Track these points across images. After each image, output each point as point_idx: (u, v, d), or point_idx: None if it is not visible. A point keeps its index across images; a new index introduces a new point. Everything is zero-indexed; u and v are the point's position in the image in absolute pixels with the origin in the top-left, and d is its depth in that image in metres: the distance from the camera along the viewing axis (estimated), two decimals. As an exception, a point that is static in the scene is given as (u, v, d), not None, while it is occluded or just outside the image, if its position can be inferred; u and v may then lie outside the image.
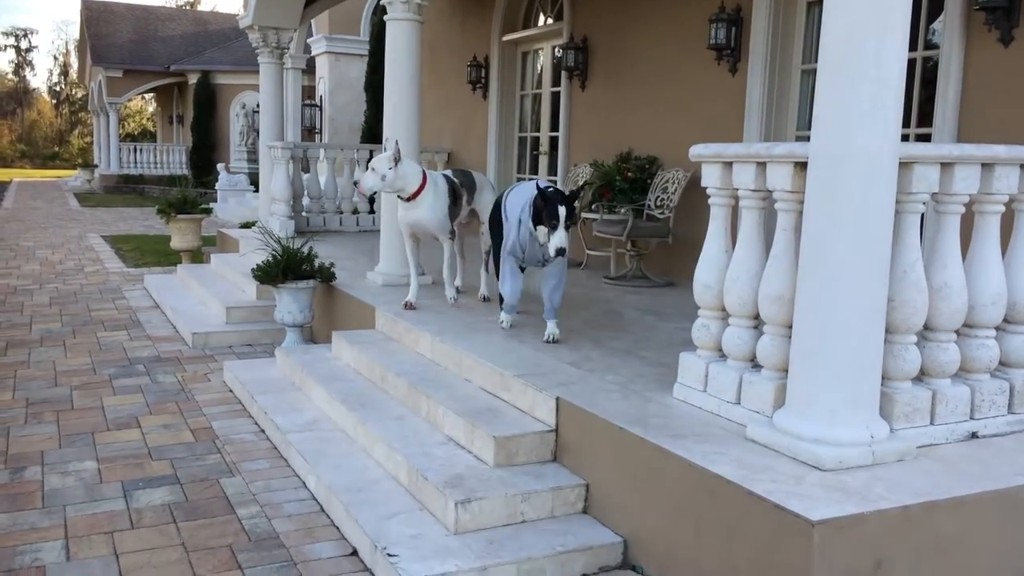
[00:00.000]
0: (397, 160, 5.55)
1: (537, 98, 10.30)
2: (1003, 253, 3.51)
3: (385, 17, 6.77)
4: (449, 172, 6.04)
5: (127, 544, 3.54)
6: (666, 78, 7.74)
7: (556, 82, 9.64)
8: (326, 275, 6.70)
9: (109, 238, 14.88)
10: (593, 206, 7.55)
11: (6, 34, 67.65)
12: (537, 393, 3.96)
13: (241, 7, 11.13)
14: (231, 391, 5.74)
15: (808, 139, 3.09)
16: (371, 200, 10.57)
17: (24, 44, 67.11)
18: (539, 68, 10.29)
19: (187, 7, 34.77)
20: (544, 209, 4.53)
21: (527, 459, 3.79)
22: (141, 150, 30.28)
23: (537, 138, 10.27)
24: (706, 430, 3.39)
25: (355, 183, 6.01)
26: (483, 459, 3.82)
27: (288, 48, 10.79)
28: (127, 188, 28.41)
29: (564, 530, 3.44)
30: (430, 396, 4.36)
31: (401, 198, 5.71)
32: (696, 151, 3.62)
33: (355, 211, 10.70)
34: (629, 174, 7.60)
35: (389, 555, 3.22)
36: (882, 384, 3.17)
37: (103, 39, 29.65)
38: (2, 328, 7.51)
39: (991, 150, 3.26)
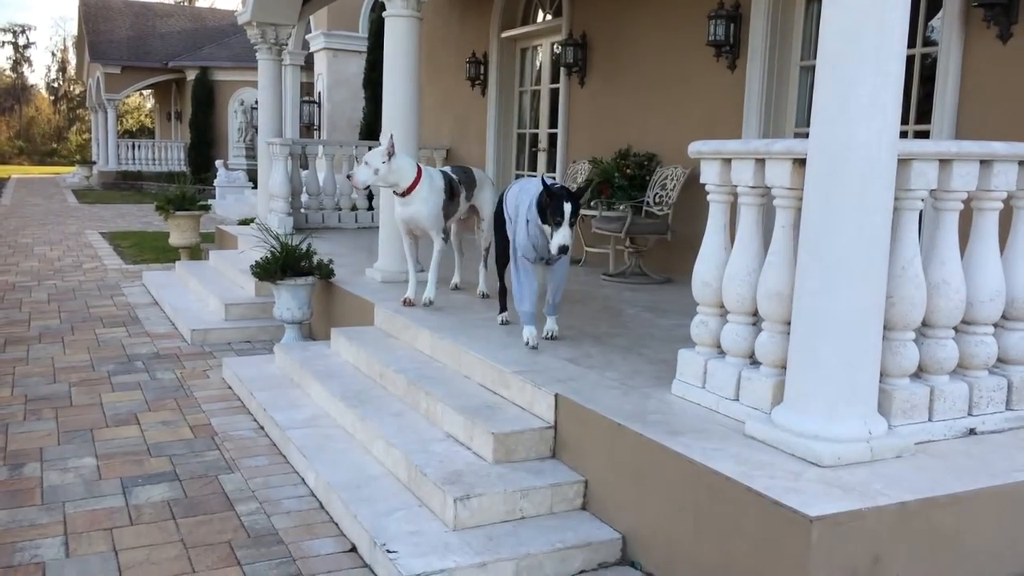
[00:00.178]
0: (391, 154, 5.54)
1: (536, 95, 10.29)
2: (1001, 250, 3.52)
3: (384, 13, 6.77)
4: (448, 169, 6.03)
5: (126, 540, 3.54)
6: (665, 75, 7.74)
7: (555, 79, 9.63)
8: (325, 272, 6.70)
9: (107, 235, 14.87)
10: (592, 203, 7.55)
11: (4, 30, 67.55)
12: (536, 389, 3.96)
13: (240, 3, 11.12)
14: (230, 388, 5.74)
15: (807, 136, 3.09)
16: (369, 197, 10.58)
17: (22, 40, 67.10)
18: (538, 64, 10.28)
19: (185, 3, 34.69)
20: (549, 206, 4.42)
21: (526, 456, 3.80)
22: (139, 147, 30.25)
23: (536, 135, 10.27)
24: (705, 426, 3.39)
25: (348, 176, 5.95)
26: (482, 455, 3.82)
27: (286, 44, 10.79)
28: (125, 185, 28.39)
29: (563, 526, 3.45)
30: (429, 393, 4.36)
31: (396, 193, 5.71)
32: (695, 148, 3.62)
33: (354, 208, 10.70)
34: (628, 171, 7.61)
35: (388, 551, 3.22)
36: (880, 380, 3.17)
37: (101, 35, 29.61)
38: (1, 325, 7.51)
39: (989, 147, 3.26)
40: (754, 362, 3.52)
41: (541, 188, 4.52)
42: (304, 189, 10.31)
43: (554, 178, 9.15)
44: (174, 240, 11.00)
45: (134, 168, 29.26)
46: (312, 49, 18.06)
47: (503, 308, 5.29)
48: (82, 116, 61.82)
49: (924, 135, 5.71)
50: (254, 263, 6.61)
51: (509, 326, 5.14)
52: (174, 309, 7.83)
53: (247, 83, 26.20)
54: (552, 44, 9.81)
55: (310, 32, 17.72)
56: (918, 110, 5.86)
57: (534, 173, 10.13)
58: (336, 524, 3.71)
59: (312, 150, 10.51)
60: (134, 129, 51.04)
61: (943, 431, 3.33)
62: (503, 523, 3.46)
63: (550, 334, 4.82)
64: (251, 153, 22.51)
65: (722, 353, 3.65)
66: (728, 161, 3.51)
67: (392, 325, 5.60)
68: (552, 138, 9.77)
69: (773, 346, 3.35)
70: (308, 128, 18.65)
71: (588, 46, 8.79)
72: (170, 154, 29.78)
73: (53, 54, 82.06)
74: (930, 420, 3.32)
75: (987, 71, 5.27)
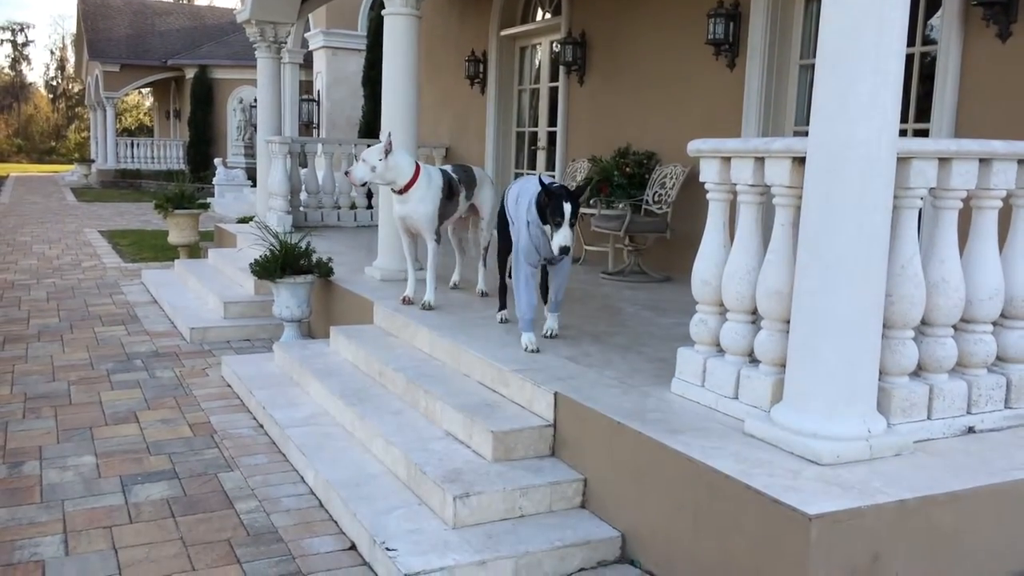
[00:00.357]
0: (387, 151, 5.54)
1: (535, 93, 10.29)
2: (1000, 248, 3.52)
3: (383, 12, 6.76)
4: (448, 167, 6.02)
5: (126, 539, 3.54)
6: (664, 73, 7.74)
7: (554, 77, 9.63)
8: (324, 270, 6.70)
9: (106, 233, 14.86)
10: (591, 201, 7.55)
11: (3, 28, 67.48)
12: (535, 388, 3.96)
13: (239, 2, 11.11)
14: (229, 386, 5.74)
15: (806, 134, 3.09)
16: (369, 195, 10.58)
17: (20, 39, 67.05)
18: (537, 63, 10.28)
19: (184, 2, 34.65)
20: (548, 206, 4.33)
21: (525, 454, 3.80)
22: (138, 145, 30.23)
23: (535, 133, 10.26)
24: (704, 425, 3.40)
25: (346, 173, 5.94)
26: (481, 454, 3.82)
27: (285, 43, 10.78)
28: (124, 183, 28.37)
29: (562, 524, 3.45)
30: (428, 391, 4.36)
31: (394, 191, 5.70)
32: (694, 146, 3.62)
33: (353, 206, 10.70)
34: (627, 169, 7.61)
35: (388, 549, 3.22)
36: (879, 379, 3.17)
37: (100, 33, 29.59)
38: (0, 323, 7.50)
39: (989, 145, 3.26)
40: (753, 360, 3.52)
41: (539, 189, 4.45)
42: (303, 187, 10.31)
43: (553, 177, 9.15)
44: (173, 238, 11.00)
45: (133, 166, 29.24)
46: (311, 47, 18.05)
47: (503, 306, 5.28)
48: (81, 114, 61.79)
49: (923, 134, 5.71)
50: (253, 261, 6.60)
51: (508, 324, 5.14)
52: (173, 307, 7.82)
53: (246, 81, 26.19)
54: (551, 42, 9.81)
55: (309, 30, 17.71)
56: (917, 108, 5.87)
57: (533, 172, 10.13)
58: (335, 522, 3.71)
59: (311, 148, 10.51)
60: (133, 127, 51.03)
61: (942, 429, 3.34)
62: (502, 521, 3.46)
63: (550, 332, 4.81)
64: (250, 151, 22.51)
65: (721, 351, 3.65)
66: (727, 159, 3.51)
67: (391, 323, 5.60)
68: (551, 136, 9.76)
69: (772, 344, 3.35)
70: (307, 126, 18.65)
71: (587, 44, 8.78)
72: (169, 152, 29.77)
73: (52, 52, 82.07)
74: (929, 418, 3.32)
75: (986, 70, 5.27)
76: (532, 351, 4.50)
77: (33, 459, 4.40)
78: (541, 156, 10.09)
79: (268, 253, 6.50)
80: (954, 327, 3.40)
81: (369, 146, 5.77)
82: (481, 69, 10.67)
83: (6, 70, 67.25)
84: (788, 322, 3.22)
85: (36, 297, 8.75)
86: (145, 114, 53.97)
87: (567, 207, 4.28)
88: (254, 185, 14.79)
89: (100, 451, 4.52)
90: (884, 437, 3.09)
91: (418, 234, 5.80)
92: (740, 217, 3.51)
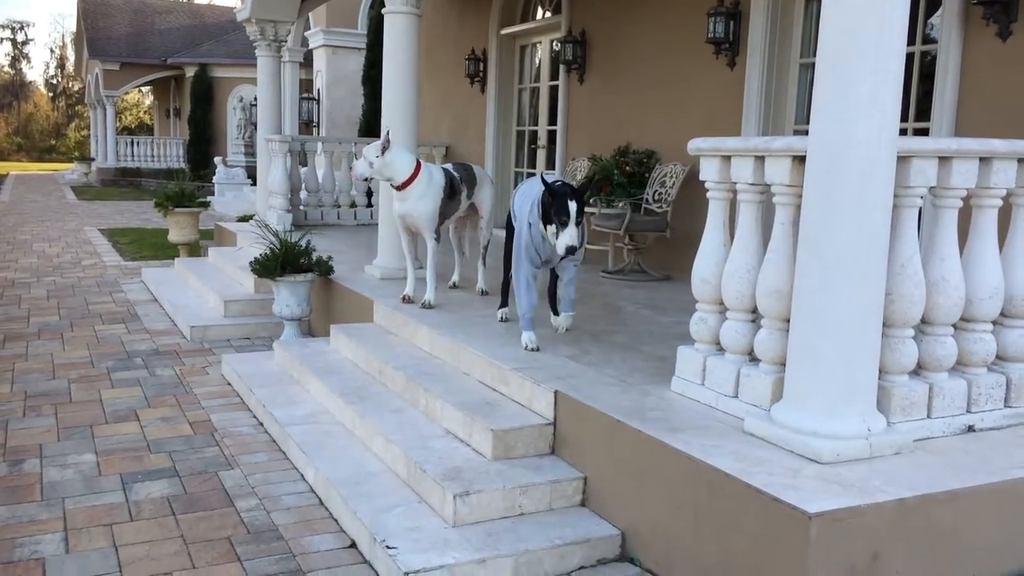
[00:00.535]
0: (385, 148, 5.56)
1: (535, 92, 10.29)
2: (1000, 247, 3.52)
3: (383, 10, 6.77)
4: (450, 166, 6.02)
5: (126, 536, 3.55)
6: (664, 72, 7.74)
7: (554, 76, 9.63)
8: (324, 268, 6.70)
9: (106, 231, 14.86)
10: (591, 200, 7.55)
11: (2, 27, 67.52)
12: (535, 386, 3.96)
13: (239, 0, 11.10)
14: (229, 384, 5.74)
15: (806, 133, 3.09)
16: (368, 194, 10.58)
17: (20, 37, 67.07)
18: (537, 62, 10.28)
19: (184, 0, 34.62)
20: (552, 205, 4.23)
21: (525, 452, 3.80)
22: (138, 143, 30.22)
23: (535, 132, 10.26)
24: (704, 423, 3.40)
25: (350, 168, 5.98)
26: (481, 452, 3.83)
27: (286, 41, 10.78)
28: (124, 182, 28.36)
29: (562, 523, 3.45)
30: (428, 389, 4.37)
31: (393, 187, 5.71)
32: (695, 145, 3.62)
33: (353, 205, 10.70)
34: (627, 168, 7.61)
35: (388, 547, 3.23)
36: (879, 378, 3.17)
37: (100, 32, 29.58)
38: (0, 321, 7.51)
39: (989, 144, 3.26)
40: (753, 359, 3.52)
41: (543, 189, 4.35)
42: (303, 186, 10.31)
43: (554, 175, 9.14)
44: (173, 237, 11.00)
45: (133, 165, 29.23)
46: (311, 46, 18.05)
47: (504, 303, 5.27)
48: (81, 113, 61.76)
49: (923, 132, 5.71)
50: (253, 260, 6.61)
51: (508, 323, 5.14)
52: (173, 306, 7.83)
53: (246, 80, 26.17)
54: (551, 41, 9.81)
55: (309, 29, 17.71)
56: (917, 108, 5.87)
57: (533, 170, 10.13)
58: (336, 520, 3.71)
59: (311, 147, 10.51)
60: (133, 126, 50.99)
61: (942, 428, 3.34)
62: (502, 519, 3.46)
63: (562, 328, 4.81)
64: (250, 150, 22.51)
65: (721, 350, 3.66)
66: (727, 158, 3.51)
67: (391, 322, 5.60)
68: (551, 135, 9.76)
69: (772, 343, 3.35)
70: (307, 125, 18.64)
71: (587, 43, 8.78)
72: (169, 151, 29.76)
73: (52, 51, 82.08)
74: (929, 417, 3.33)
75: (986, 69, 5.27)
76: (532, 350, 4.50)
77: (33, 457, 4.40)
78: (541, 155, 10.09)
79: (268, 251, 6.50)
80: (954, 326, 3.40)
81: (370, 143, 5.79)
82: (481, 68, 10.67)
83: (6, 68, 67.31)
84: (788, 321, 3.23)
85: (36, 295, 8.75)
86: (145, 112, 53.95)
87: (572, 206, 4.19)
88: (254, 184, 14.79)
89: (100, 449, 4.52)
90: (884, 436, 3.09)
91: (418, 232, 5.80)
92: (740, 216, 3.51)
